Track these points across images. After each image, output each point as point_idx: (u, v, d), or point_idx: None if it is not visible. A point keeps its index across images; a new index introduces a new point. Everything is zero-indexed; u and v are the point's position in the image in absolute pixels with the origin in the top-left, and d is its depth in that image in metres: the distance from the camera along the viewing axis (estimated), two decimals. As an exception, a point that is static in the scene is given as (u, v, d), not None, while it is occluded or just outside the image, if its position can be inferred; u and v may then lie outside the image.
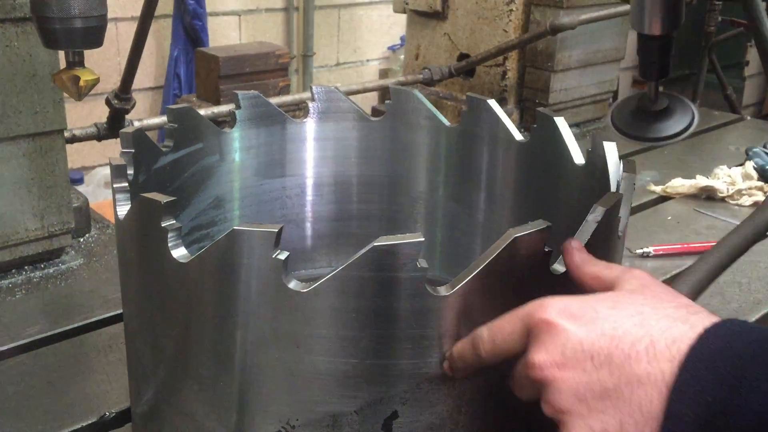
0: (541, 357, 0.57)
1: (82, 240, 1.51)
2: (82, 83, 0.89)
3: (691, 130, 0.68)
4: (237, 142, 1.03)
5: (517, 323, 0.61)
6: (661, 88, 0.77)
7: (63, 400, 0.95)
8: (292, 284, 0.62)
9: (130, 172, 0.81)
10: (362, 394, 0.64)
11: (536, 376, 0.58)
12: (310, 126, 1.08)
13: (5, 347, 1.06)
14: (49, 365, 1.01)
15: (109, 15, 3.57)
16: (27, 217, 1.33)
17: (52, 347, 1.06)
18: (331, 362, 0.63)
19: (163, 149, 0.92)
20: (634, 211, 1.62)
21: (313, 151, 1.10)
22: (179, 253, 0.65)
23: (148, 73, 3.56)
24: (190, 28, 3.28)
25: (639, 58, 0.70)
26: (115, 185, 0.75)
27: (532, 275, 0.65)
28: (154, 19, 4.07)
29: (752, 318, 1.20)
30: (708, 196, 1.68)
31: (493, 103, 1.02)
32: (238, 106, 1.01)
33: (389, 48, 4.36)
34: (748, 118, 2.50)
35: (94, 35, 0.85)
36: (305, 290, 0.61)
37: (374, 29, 4.27)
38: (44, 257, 1.39)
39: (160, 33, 3.53)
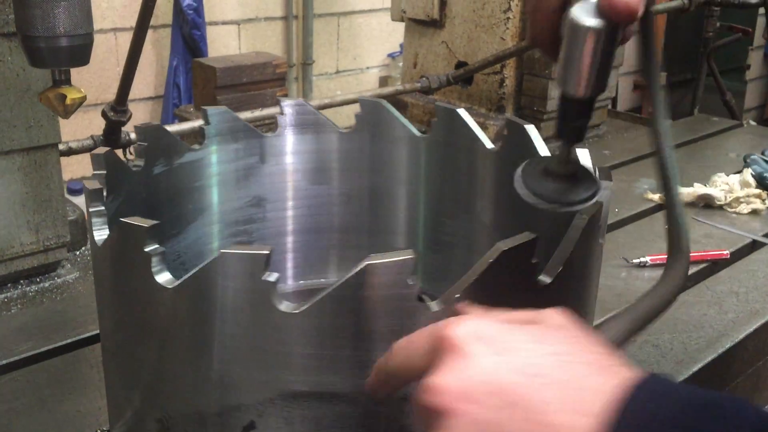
0: (439, 381, 0.50)
1: (78, 253, 1.50)
2: (68, 101, 0.89)
3: (597, 197, 0.66)
4: (204, 159, 1.03)
5: (426, 339, 0.54)
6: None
7: (55, 418, 0.94)
8: (283, 306, 0.61)
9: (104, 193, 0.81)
10: (359, 416, 0.63)
11: (430, 403, 0.50)
12: (280, 140, 1.08)
13: (-2, 364, 1.06)
14: (41, 382, 1.01)
15: (108, 25, 3.57)
16: (22, 231, 1.33)
17: (45, 363, 1.06)
18: (330, 382, 0.62)
19: (133, 168, 0.91)
20: (631, 220, 1.62)
21: (284, 164, 1.09)
22: (164, 278, 0.64)
23: (147, 83, 3.56)
24: (189, 38, 3.28)
25: (558, 116, 0.68)
26: (91, 209, 0.74)
27: (519, 287, 0.65)
28: (153, 29, 4.08)
29: (750, 328, 1.19)
30: (706, 204, 1.67)
31: (462, 111, 1.03)
32: (207, 122, 1.01)
33: (389, 55, 4.36)
34: (750, 122, 2.50)
35: (80, 53, 0.85)
36: (297, 311, 0.61)
37: (374, 37, 4.28)
38: (40, 271, 1.39)
39: (160, 42, 3.54)
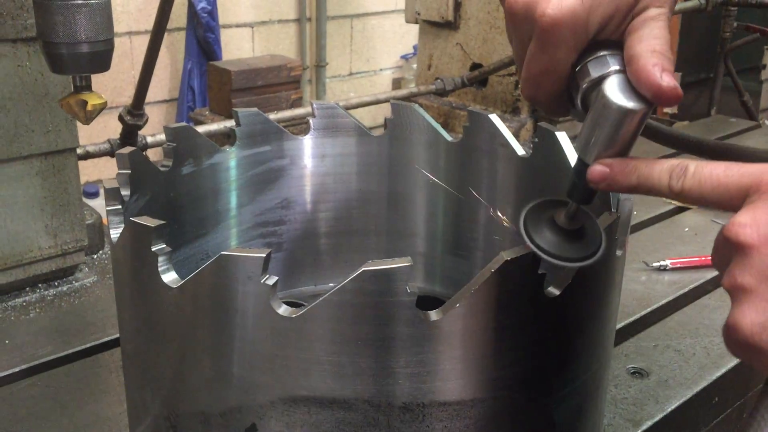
0: (748, 219, 0.51)
1: (95, 257, 1.51)
2: (89, 107, 0.89)
3: (597, 256, 0.64)
4: (234, 161, 1.03)
5: (737, 177, 0.54)
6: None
7: (75, 423, 0.94)
8: (281, 310, 0.61)
9: (127, 193, 0.81)
10: (359, 422, 0.63)
11: (732, 237, 0.52)
12: (308, 142, 1.07)
13: (18, 368, 1.06)
14: (61, 387, 1.01)
15: (124, 29, 3.61)
16: (40, 236, 1.33)
17: (64, 368, 1.06)
18: (329, 388, 0.62)
19: (161, 168, 0.91)
20: (651, 222, 1.60)
21: (311, 167, 1.09)
22: (169, 277, 0.65)
23: (162, 86, 3.58)
24: (203, 41, 3.29)
25: (571, 176, 0.66)
26: (108, 208, 0.74)
27: (526, 298, 0.64)
28: (167, 33, 4.10)
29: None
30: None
31: (494, 117, 1.01)
32: (238, 124, 1.01)
33: (402, 57, 4.36)
34: (766, 122, 2.47)
35: (101, 59, 0.85)
36: (294, 315, 0.60)
37: (387, 38, 4.27)
38: (58, 275, 1.39)
39: (174, 46, 3.55)
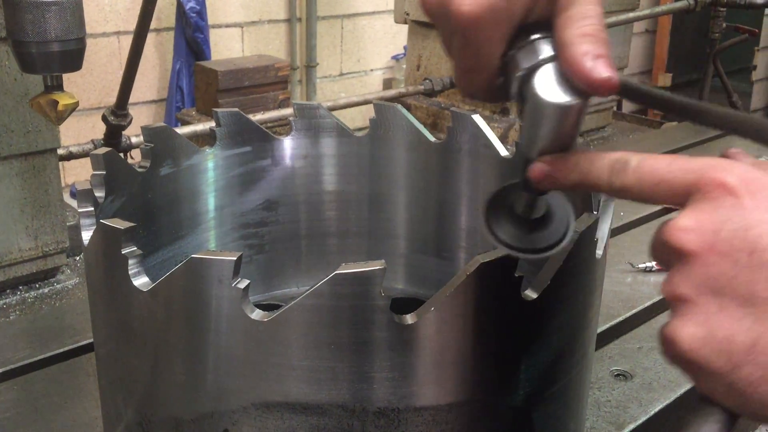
0: (689, 223, 0.46)
1: (77, 258, 1.49)
2: (60, 107, 0.87)
3: (564, 243, 0.59)
4: (213, 161, 1.01)
5: (681, 173, 0.49)
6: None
7: (51, 427, 0.93)
8: (254, 314, 0.59)
9: (101, 194, 0.80)
10: (333, 428, 0.62)
11: (673, 243, 0.47)
12: (290, 143, 1.06)
13: (-5, 372, 1.04)
14: (38, 391, 1.00)
15: (112, 29, 3.56)
16: (20, 237, 1.32)
17: (41, 372, 1.04)
18: (303, 393, 0.61)
19: (138, 169, 0.90)
20: (638, 223, 1.59)
21: (293, 167, 1.07)
22: (140, 281, 0.63)
23: (151, 86, 3.56)
24: (192, 41, 3.27)
25: (520, 171, 0.61)
26: (81, 210, 0.73)
27: (503, 302, 0.62)
28: (156, 32, 4.07)
29: None
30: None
31: (477, 117, 1.00)
32: (219, 124, 0.99)
33: (393, 57, 4.35)
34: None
35: (72, 59, 0.84)
36: (267, 320, 0.59)
37: (377, 39, 4.26)
38: (39, 277, 1.38)
39: (163, 46, 3.53)
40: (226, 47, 3.68)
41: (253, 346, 0.61)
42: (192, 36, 3.25)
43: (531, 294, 0.64)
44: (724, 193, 0.46)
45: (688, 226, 0.46)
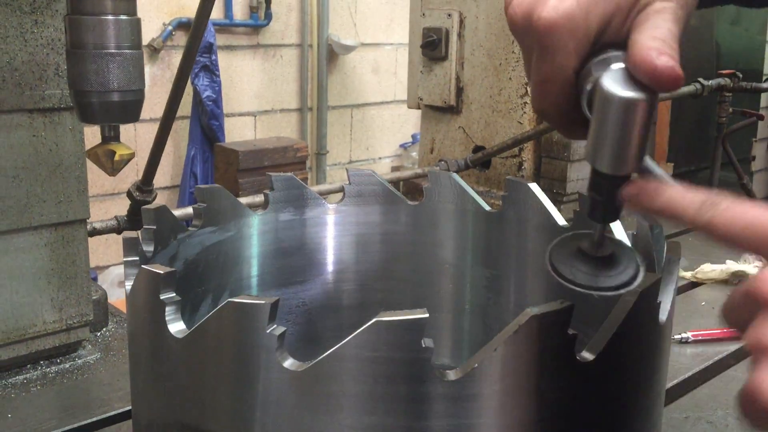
0: None
1: (99, 334, 1.46)
2: (117, 158, 0.88)
3: (637, 282, 0.59)
4: (266, 225, 1.01)
5: None
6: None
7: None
8: (288, 363, 0.57)
9: (149, 249, 0.79)
10: None
11: (763, 293, 0.47)
12: (340, 209, 1.06)
13: (20, 444, 1.00)
14: (66, 462, 0.96)
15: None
16: (45, 309, 1.30)
17: (69, 443, 1.01)
18: None
19: (190, 228, 0.90)
20: (666, 296, 1.58)
21: (340, 235, 1.07)
22: (177, 327, 0.62)
23: (164, 173, 3.60)
24: (207, 128, 3.34)
25: (589, 194, 0.61)
26: (126, 258, 0.72)
27: (555, 362, 0.58)
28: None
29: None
30: (740, 281, 1.63)
31: (534, 186, 1.00)
32: (272, 188, 1.00)
33: (401, 146, 4.42)
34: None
35: (131, 109, 0.85)
36: (301, 369, 0.56)
37: (386, 128, 4.35)
38: (61, 351, 1.35)
39: (178, 134, 3.60)
40: (240, 134, 3.75)
41: (292, 398, 0.57)
42: (207, 123, 3.31)
43: (587, 356, 0.60)
44: None
45: None
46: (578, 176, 2.32)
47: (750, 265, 1.65)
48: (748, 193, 2.90)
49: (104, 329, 1.48)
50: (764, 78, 2.93)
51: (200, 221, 0.92)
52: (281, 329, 0.57)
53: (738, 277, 1.64)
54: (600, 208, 0.60)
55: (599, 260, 0.60)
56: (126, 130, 3.84)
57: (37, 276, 1.27)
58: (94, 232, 1.64)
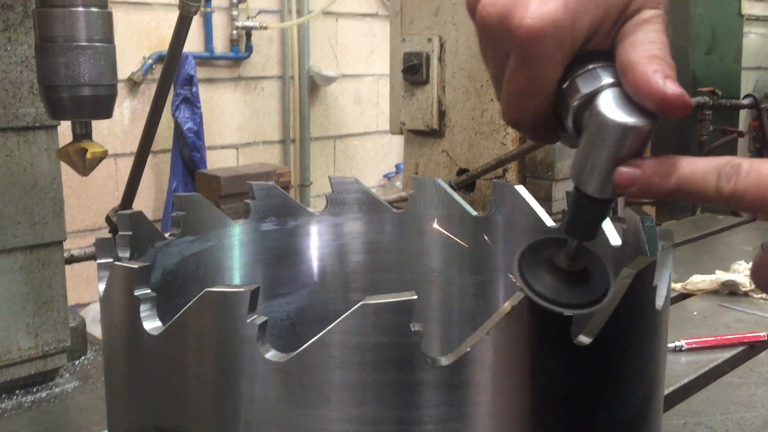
0: None
1: (77, 362, 1.42)
2: (89, 156, 0.85)
3: (606, 300, 0.56)
4: (247, 235, 0.99)
5: None
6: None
7: None
8: (270, 354, 0.54)
9: (125, 256, 0.76)
10: None
11: None
12: (322, 218, 1.04)
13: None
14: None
15: (109, 151, 3.62)
16: (21, 335, 1.25)
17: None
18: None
19: (169, 237, 0.87)
20: (657, 308, 1.55)
21: (324, 243, 1.04)
22: (152, 324, 0.59)
23: (146, 206, 3.56)
24: (189, 161, 3.32)
25: (569, 210, 0.57)
26: (99, 261, 0.68)
27: (551, 346, 0.56)
28: (153, 154, 4.12)
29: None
30: (731, 291, 1.62)
31: (521, 188, 0.98)
32: (253, 197, 0.97)
33: (385, 176, 4.42)
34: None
35: (104, 104, 0.82)
36: (284, 360, 0.53)
37: (369, 158, 4.35)
38: (37, 380, 1.30)
39: (159, 167, 3.57)
40: (221, 167, 3.73)
41: (276, 392, 0.54)
42: (189, 155, 3.29)
43: (585, 339, 0.58)
44: None
45: None
46: (563, 195, 2.31)
47: (740, 275, 1.64)
48: (733, 211, 2.91)
49: (83, 357, 1.43)
50: (742, 96, 2.97)
51: (179, 230, 0.89)
52: (262, 318, 0.54)
53: (728, 287, 1.62)
54: (579, 225, 0.57)
55: (571, 275, 0.56)
56: (106, 165, 3.80)
57: (11, 301, 1.23)
58: (72, 260, 1.60)
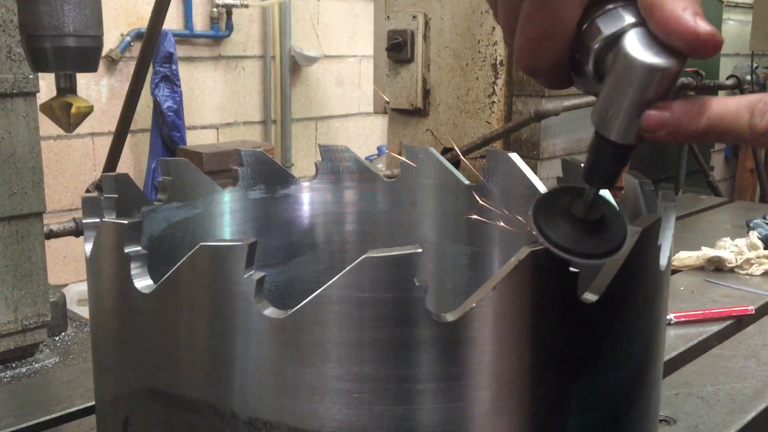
0: None
1: (57, 338, 1.39)
2: (74, 110, 0.81)
3: (623, 250, 0.55)
4: (235, 203, 0.96)
5: None
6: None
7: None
8: (268, 311, 0.52)
9: (111, 219, 0.73)
10: None
11: None
12: (313, 185, 1.02)
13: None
14: (21, 461, 0.88)
15: (86, 130, 3.56)
16: (-1, 309, 1.22)
17: (25, 442, 0.93)
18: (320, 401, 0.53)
19: (155, 203, 0.85)
20: (644, 283, 1.55)
21: (314, 211, 1.03)
22: (144, 282, 0.56)
23: (124, 187, 3.51)
24: (169, 140, 3.27)
25: (589, 157, 0.56)
26: (85, 221, 0.65)
27: (556, 303, 0.55)
28: (132, 133, 4.05)
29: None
30: (717, 267, 1.62)
31: (515, 156, 0.96)
32: (241, 164, 0.95)
33: (367, 158, 4.38)
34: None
35: (89, 56, 0.79)
36: (282, 317, 0.51)
37: (351, 140, 4.32)
38: (16, 355, 1.27)
39: (138, 147, 3.52)
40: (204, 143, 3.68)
41: (273, 350, 0.52)
42: (168, 134, 3.24)
43: (590, 297, 0.58)
44: None
45: None
46: (549, 174, 2.31)
47: (726, 251, 1.64)
48: (713, 189, 2.93)
49: (63, 333, 1.40)
50: (727, 77, 2.96)
51: (165, 195, 0.86)
52: (260, 274, 0.52)
53: (713, 263, 1.62)
54: (599, 172, 0.56)
55: (587, 224, 0.55)
56: (84, 144, 3.72)
57: (-11, 273, 1.20)
58: (51, 234, 1.56)
